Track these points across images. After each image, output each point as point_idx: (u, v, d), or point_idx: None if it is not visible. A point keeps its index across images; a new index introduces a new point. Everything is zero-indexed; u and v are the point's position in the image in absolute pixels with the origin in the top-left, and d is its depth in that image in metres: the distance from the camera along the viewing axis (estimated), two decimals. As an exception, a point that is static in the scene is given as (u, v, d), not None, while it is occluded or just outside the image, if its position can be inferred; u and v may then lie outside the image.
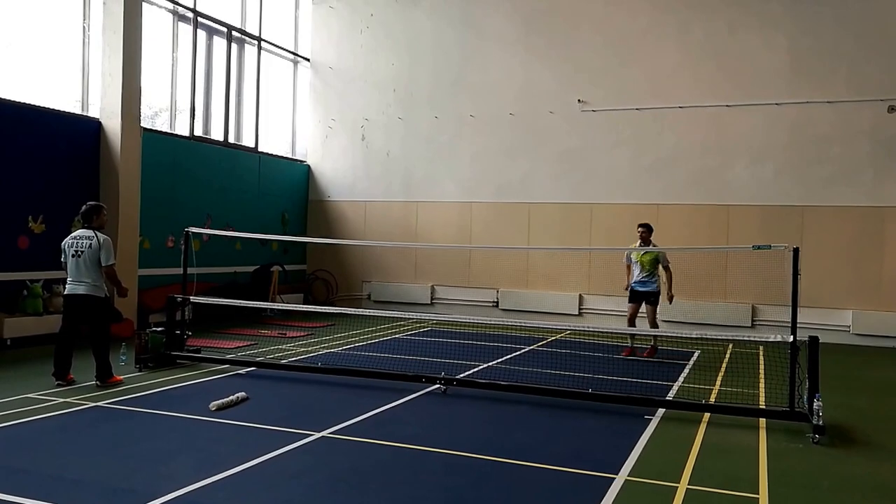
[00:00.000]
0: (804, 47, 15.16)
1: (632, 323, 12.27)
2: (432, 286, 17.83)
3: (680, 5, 16.07)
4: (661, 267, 11.99)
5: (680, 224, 15.70)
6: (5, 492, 5.25)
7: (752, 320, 15.27)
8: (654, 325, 12.20)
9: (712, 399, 9.12)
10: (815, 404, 7.18)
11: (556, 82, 16.90)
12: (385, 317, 14.41)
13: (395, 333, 14.29)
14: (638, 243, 12.02)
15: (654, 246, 12.05)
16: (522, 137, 17.21)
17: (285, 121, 19.33)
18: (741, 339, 9.99)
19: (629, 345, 12.33)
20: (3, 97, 11.90)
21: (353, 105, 18.86)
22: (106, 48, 13.23)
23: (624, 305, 15.87)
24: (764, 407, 8.51)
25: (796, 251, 7.81)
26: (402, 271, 18.17)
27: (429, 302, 17.74)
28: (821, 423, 7.12)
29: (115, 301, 9.44)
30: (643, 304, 12.06)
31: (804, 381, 7.53)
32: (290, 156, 19.25)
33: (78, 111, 13.34)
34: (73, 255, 8.89)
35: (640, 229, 12.08)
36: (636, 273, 12.02)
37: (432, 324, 15.51)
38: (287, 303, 15.45)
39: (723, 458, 6.63)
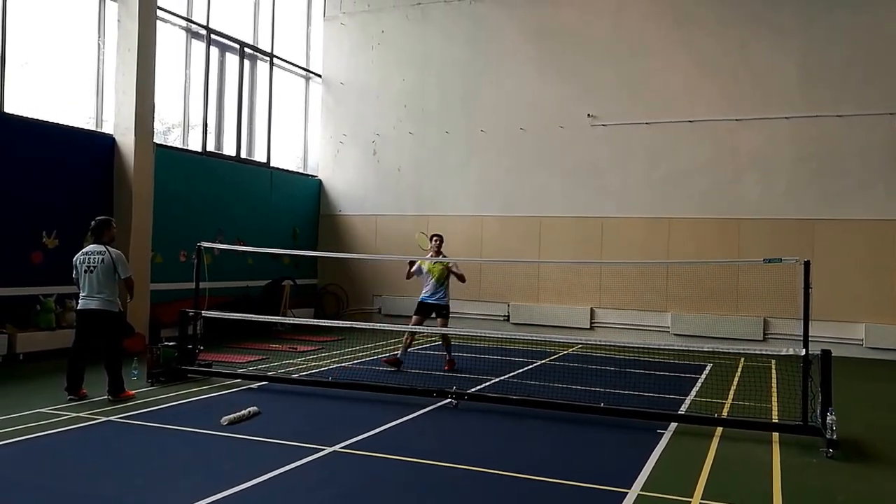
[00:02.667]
0: (815, 62, 15.15)
1: (413, 334, 11.88)
2: (443, 300, 17.81)
3: (690, 21, 16.09)
4: (452, 275, 11.82)
5: (691, 238, 15.68)
6: (19, 506, 5.28)
7: (764, 334, 15.20)
8: (446, 337, 11.88)
9: (725, 413, 9.08)
10: (828, 418, 7.14)
11: (567, 97, 16.93)
12: (396, 331, 14.38)
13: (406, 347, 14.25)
14: (430, 254, 11.83)
15: (445, 256, 11.94)
16: (533, 152, 17.23)
17: (297, 136, 19.43)
18: (753, 352, 9.98)
19: (398, 355, 11.81)
20: (18, 113, 12.03)
21: (364, 120, 18.94)
22: (120, 65, 13.35)
23: (633, 319, 16.02)
24: (777, 421, 8.47)
25: (807, 264, 7.79)
26: (412, 285, 18.05)
27: (440, 316, 17.72)
28: (835, 437, 7.08)
29: (126, 313, 9.46)
30: (430, 316, 11.77)
31: (817, 394, 7.50)
32: (301, 171, 19.34)
33: (92, 127, 13.47)
34: (85, 271, 8.92)
35: (435, 239, 11.90)
36: (428, 285, 11.75)
37: (443, 338, 15.48)
38: (298, 317, 15.48)
39: (736, 473, 6.60)
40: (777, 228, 15.18)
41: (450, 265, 11.76)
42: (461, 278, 11.88)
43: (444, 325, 11.81)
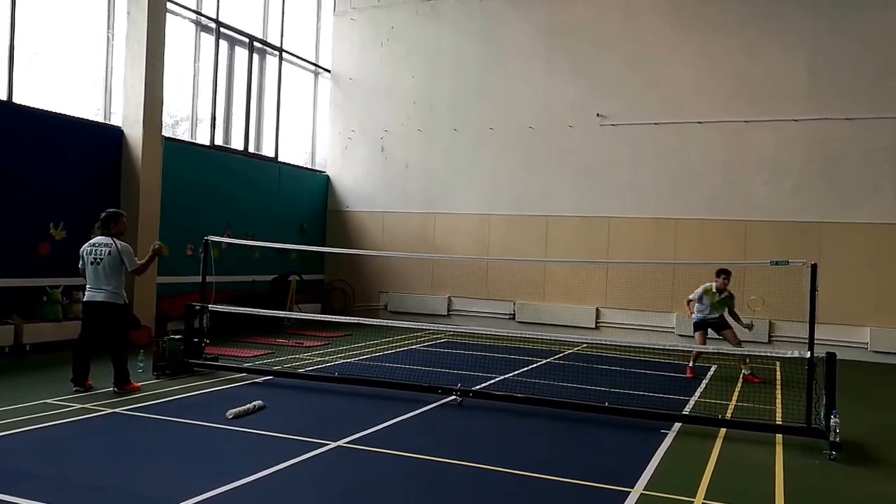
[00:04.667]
0: (823, 64, 15.11)
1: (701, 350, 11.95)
2: (449, 297, 17.85)
3: (700, 22, 16.06)
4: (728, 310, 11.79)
5: (698, 239, 15.65)
6: (22, 496, 5.29)
7: (769, 336, 15.17)
8: (737, 342, 11.76)
9: (729, 414, 9.08)
10: (832, 421, 7.14)
11: (576, 96, 16.92)
12: (402, 328, 14.42)
13: (412, 344, 14.31)
14: (714, 287, 11.67)
15: (729, 292, 11.77)
16: (541, 151, 17.22)
17: (305, 131, 19.45)
18: (758, 354, 9.97)
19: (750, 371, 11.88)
20: (27, 104, 12.06)
21: (372, 116, 18.95)
22: (129, 58, 13.38)
23: (639, 319, 15.99)
24: (781, 423, 8.47)
25: (814, 267, 7.78)
26: (419, 282, 18.20)
27: (446, 313, 17.75)
28: (838, 439, 7.08)
29: (135, 308, 9.48)
30: (711, 331, 11.86)
31: (821, 397, 7.49)
32: (309, 166, 19.36)
33: (100, 119, 13.49)
34: (91, 263, 8.93)
35: (724, 278, 11.66)
36: (705, 311, 11.74)
37: (449, 335, 15.52)
38: (304, 312, 15.50)
39: (739, 474, 6.60)
40: (784, 230, 15.15)
41: (733, 308, 11.75)
42: (737, 318, 11.78)
43: (732, 337, 11.73)
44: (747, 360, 11.81)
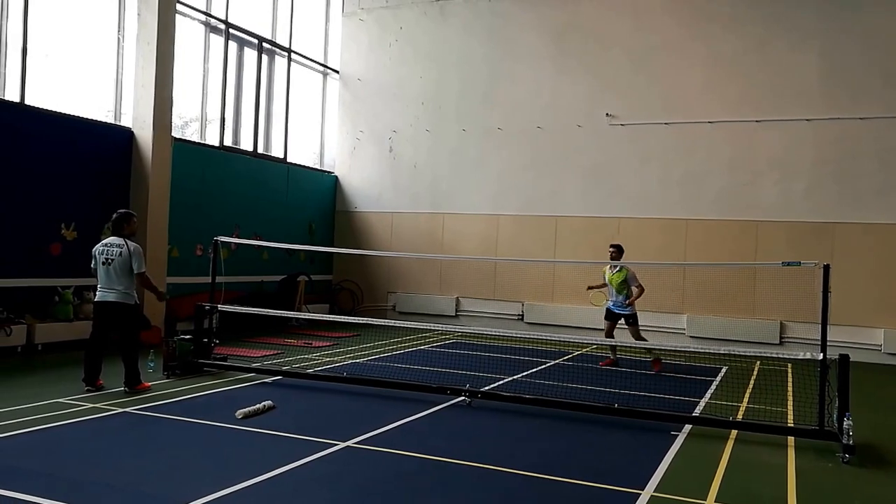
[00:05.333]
0: (835, 63, 15.04)
1: (609, 335, 12.33)
2: (457, 298, 17.84)
3: (709, 21, 16.01)
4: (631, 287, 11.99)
5: (708, 239, 15.60)
6: (34, 494, 5.31)
7: (781, 337, 15.09)
8: (638, 338, 12.16)
9: (740, 416, 9.03)
10: (845, 423, 7.09)
11: (585, 96, 16.89)
12: (410, 328, 14.41)
13: (420, 345, 14.30)
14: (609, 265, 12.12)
15: (621, 263, 11.94)
16: (550, 151, 17.19)
17: (314, 132, 19.47)
18: (769, 355, 9.92)
19: (611, 356, 12.70)
20: (38, 106, 12.10)
21: (381, 117, 18.95)
22: (139, 59, 13.42)
23: (651, 321, 15.89)
24: (792, 425, 8.42)
25: (827, 268, 7.73)
26: (427, 283, 18.18)
27: (454, 314, 17.73)
28: (851, 442, 7.03)
29: (145, 308, 9.49)
30: (620, 322, 12.24)
31: (834, 399, 7.44)
32: (318, 167, 19.37)
33: (111, 120, 13.53)
34: (103, 263, 8.97)
35: (610, 249, 12.18)
36: (611, 295, 12.18)
37: (457, 336, 15.51)
38: (313, 312, 15.51)
39: (750, 476, 6.56)
40: (795, 231, 15.07)
41: (628, 276, 11.99)
42: (639, 289, 11.96)
43: (634, 332, 12.15)
44: (652, 351, 12.45)
